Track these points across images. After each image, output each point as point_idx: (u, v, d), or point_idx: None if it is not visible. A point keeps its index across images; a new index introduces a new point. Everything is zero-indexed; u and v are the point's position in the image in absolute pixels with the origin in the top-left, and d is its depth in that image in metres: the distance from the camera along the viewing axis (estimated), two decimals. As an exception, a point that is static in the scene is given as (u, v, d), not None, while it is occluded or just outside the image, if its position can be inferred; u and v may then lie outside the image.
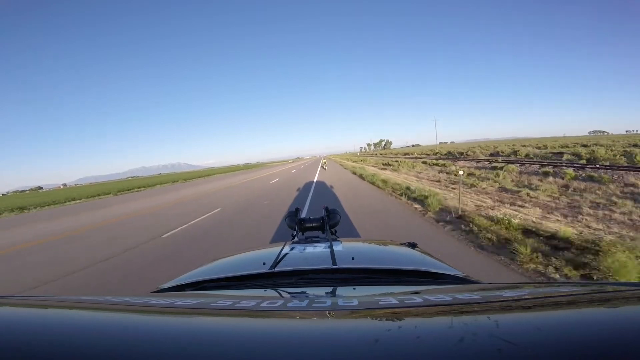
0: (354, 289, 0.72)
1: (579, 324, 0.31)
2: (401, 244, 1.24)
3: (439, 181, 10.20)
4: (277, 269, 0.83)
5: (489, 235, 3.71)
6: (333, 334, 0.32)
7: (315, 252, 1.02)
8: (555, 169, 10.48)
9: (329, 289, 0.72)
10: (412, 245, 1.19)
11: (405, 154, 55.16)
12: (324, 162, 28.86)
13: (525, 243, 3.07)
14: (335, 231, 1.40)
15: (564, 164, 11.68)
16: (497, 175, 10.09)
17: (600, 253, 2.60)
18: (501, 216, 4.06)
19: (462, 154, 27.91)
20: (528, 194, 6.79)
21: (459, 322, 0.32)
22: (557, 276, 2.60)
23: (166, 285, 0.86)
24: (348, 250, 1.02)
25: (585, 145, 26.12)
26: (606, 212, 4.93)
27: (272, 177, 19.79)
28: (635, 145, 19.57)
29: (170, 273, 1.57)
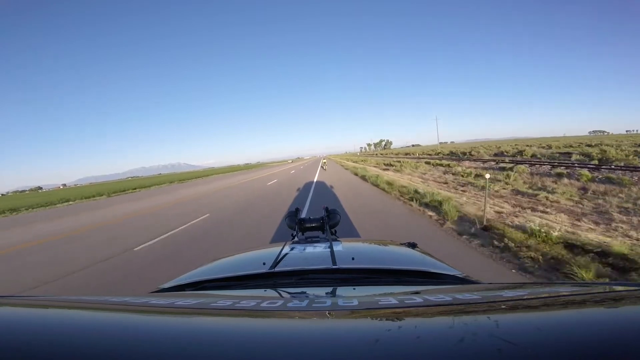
0: (354, 289, 0.72)
1: (579, 324, 0.31)
2: (401, 244, 1.23)
3: (446, 183, 9.66)
4: (277, 269, 0.83)
5: (530, 253, 3.09)
6: (333, 334, 0.32)
7: (315, 252, 1.01)
8: (568, 170, 9.97)
9: (329, 289, 0.71)
10: (412, 246, 1.19)
11: (406, 154, 54.65)
12: (324, 162, 28.89)
13: (582, 264, 2.52)
14: (335, 231, 1.39)
15: (576, 165, 11.16)
16: (508, 176, 9.57)
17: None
18: (535, 226, 3.51)
19: (465, 154, 27.38)
20: (547, 198, 6.27)
21: (459, 322, 0.32)
22: None
23: (166, 285, 0.86)
24: (348, 250, 1.02)
25: (590, 145, 25.68)
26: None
27: (269, 179, 19.13)
28: (644, 145, 19.04)
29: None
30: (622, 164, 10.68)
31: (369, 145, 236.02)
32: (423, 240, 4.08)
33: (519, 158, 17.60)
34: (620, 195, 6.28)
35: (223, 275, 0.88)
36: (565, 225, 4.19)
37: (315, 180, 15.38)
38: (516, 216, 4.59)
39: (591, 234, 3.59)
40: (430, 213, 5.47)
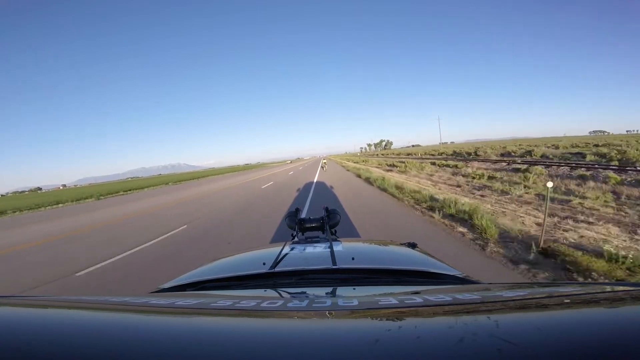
0: (354, 289, 0.72)
1: (579, 324, 0.31)
2: (401, 244, 1.24)
3: (459, 186, 8.86)
4: (277, 269, 0.83)
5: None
6: (333, 334, 0.32)
7: (315, 252, 1.01)
8: (590, 172, 9.18)
9: (329, 289, 0.71)
10: (412, 246, 1.19)
11: (408, 154, 53.86)
12: (324, 163, 28.61)
13: None
14: (335, 231, 1.39)
15: (596, 166, 10.37)
16: (526, 178, 8.77)
17: None
18: (611, 249, 2.71)
19: (470, 154, 26.57)
20: (581, 204, 5.49)
21: (459, 322, 0.32)
22: None
23: (166, 285, 0.86)
24: (348, 250, 1.02)
25: (597, 145, 24.98)
26: None
27: (266, 180, 18.20)
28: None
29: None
30: (646, 165, 9.90)
31: (369, 145, 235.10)
32: (469, 273, 3.14)
33: (529, 158, 16.81)
34: (662, 200, 5.51)
35: (223, 275, 0.88)
36: (624, 241, 3.41)
37: (315, 180, 14.69)
38: (565, 230, 3.81)
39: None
40: (461, 229, 4.29)
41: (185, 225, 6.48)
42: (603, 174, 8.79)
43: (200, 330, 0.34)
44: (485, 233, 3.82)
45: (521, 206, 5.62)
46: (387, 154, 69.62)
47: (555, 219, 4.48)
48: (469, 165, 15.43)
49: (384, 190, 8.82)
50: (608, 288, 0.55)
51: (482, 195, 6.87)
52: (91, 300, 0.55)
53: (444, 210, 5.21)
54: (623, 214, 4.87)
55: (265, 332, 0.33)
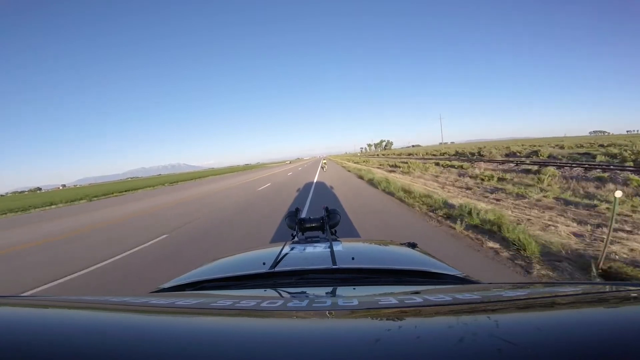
0: (354, 289, 0.72)
1: (579, 324, 0.31)
2: (401, 244, 1.23)
3: (469, 189, 8.33)
4: (277, 269, 0.82)
5: None
6: (333, 334, 0.32)
7: (315, 252, 1.01)
8: (607, 173, 8.67)
9: (329, 289, 0.71)
10: (412, 245, 1.19)
11: (409, 154, 53.36)
12: (324, 163, 28.60)
13: None
14: (335, 231, 1.39)
15: (611, 167, 9.86)
16: (540, 180, 8.26)
17: None
18: None
19: (474, 154, 26.05)
20: (609, 209, 4.97)
21: (459, 322, 0.32)
22: None
23: (166, 285, 0.86)
24: (348, 250, 1.02)
25: (602, 145, 24.57)
26: None
27: (264, 181, 17.51)
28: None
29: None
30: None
31: (369, 145, 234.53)
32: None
33: (536, 159, 16.30)
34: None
35: (223, 275, 0.87)
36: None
37: (315, 180, 14.21)
38: (610, 242, 3.28)
39: None
40: (491, 244, 3.57)
41: (166, 235, 5.72)
42: (621, 175, 8.28)
43: (200, 330, 0.34)
44: (525, 250, 3.12)
45: (543, 212, 5.10)
46: (388, 154, 69.10)
47: (588, 227, 3.97)
48: (474, 166, 14.91)
49: (391, 194, 8.06)
50: (608, 288, 0.55)
51: (497, 200, 6.34)
52: (91, 300, 0.55)
53: (464, 218, 4.45)
54: (659, 221, 4.36)
55: (265, 332, 0.33)
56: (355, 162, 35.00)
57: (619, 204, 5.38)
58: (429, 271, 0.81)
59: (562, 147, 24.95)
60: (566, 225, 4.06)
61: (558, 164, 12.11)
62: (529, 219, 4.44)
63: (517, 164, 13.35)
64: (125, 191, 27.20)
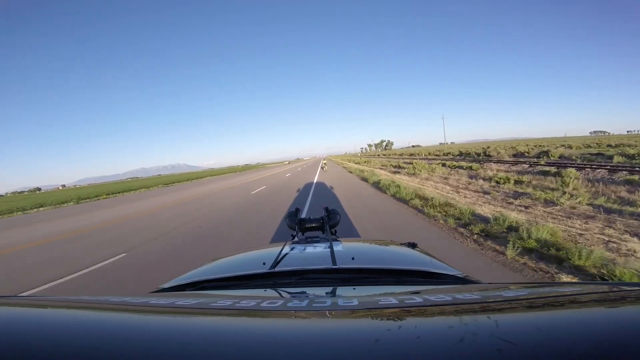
0: (354, 289, 0.72)
1: (579, 324, 0.31)
2: (401, 244, 1.23)
3: (486, 193, 7.55)
4: (277, 269, 0.82)
5: None
6: (333, 334, 0.32)
7: (315, 252, 1.01)
8: (636, 176, 7.90)
9: (329, 289, 0.71)
10: (412, 245, 1.19)
11: (410, 154, 52.57)
12: (324, 163, 28.20)
13: None
14: (335, 231, 1.39)
15: (637, 168, 9.08)
16: (564, 184, 7.47)
17: None
18: None
19: (479, 154, 25.25)
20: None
21: (459, 322, 0.32)
22: None
23: (166, 285, 0.86)
24: (348, 250, 1.02)
25: (611, 146, 23.93)
26: None
27: (259, 184, 16.54)
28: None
29: None
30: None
31: (369, 145, 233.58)
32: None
33: (547, 160, 15.50)
34: None
35: (223, 275, 0.87)
36: None
37: (315, 181, 13.48)
38: None
39: None
40: (565, 279, 2.60)
41: (124, 254, 4.69)
42: (655, 178, 7.52)
43: (200, 330, 0.34)
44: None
45: (587, 222, 4.33)
46: (389, 155, 68.27)
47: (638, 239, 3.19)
48: (484, 167, 14.12)
49: (403, 200, 6.82)
50: (608, 288, 0.55)
51: (525, 207, 5.56)
52: (91, 300, 0.55)
53: (508, 237, 3.39)
54: None
55: (266, 332, 0.33)
56: (356, 163, 34.22)
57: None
58: (429, 271, 0.81)
59: (570, 147, 24.20)
60: (623, 241, 3.28)
61: (576, 165, 11.32)
62: (581, 234, 3.66)
63: (530, 165, 12.56)
64: (120, 192, 26.53)
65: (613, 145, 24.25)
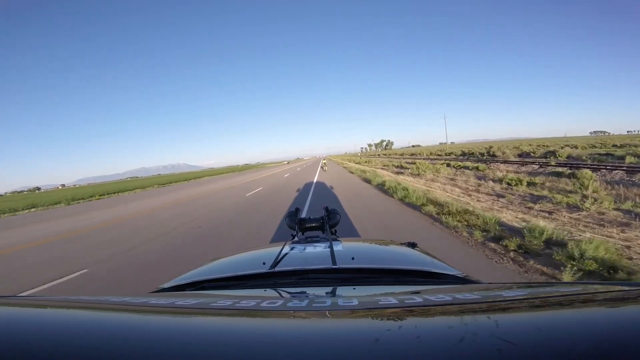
0: (354, 288, 0.71)
1: (579, 324, 0.31)
2: (401, 244, 1.23)
3: (501, 196, 7.06)
4: (277, 268, 0.82)
5: None
6: (333, 334, 0.32)
7: (315, 252, 1.01)
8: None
9: (329, 289, 0.71)
10: (412, 245, 1.18)
11: (411, 154, 52.09)
12: (324, 163, 27.94)
13: None
14: (335, 231, 1.39)
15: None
16: (583, 186, 6.99)
17: None
18: None
19: (483, 154, 24.76)
20: None
21: (459, 322, 0.32)
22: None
23: (166, 285, 0.86)
24: (348, 250, 1.01)
25: (616, 145, 23.53)
26: None
27: (256, 184, 15.91)
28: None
29: None
30: None
31: (369, 145, 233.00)
32: None
33: (555, 160, 15.02)
34: None
35: (223, 275, 0.87)
36: None
37: (314, 181, 12.99)
38: None
39: None
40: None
41: (86, 269, 4.02)
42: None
43: (200, 330, 0.34)
44: None
45: (624, 231, 3.83)
46: (389, 154, 67.76)
47: None
48: (490, 167, 13.63)
49: (413, 206, 6.03)
50: (608, 288, 0.55)
51: (548, 212, 5.07)
52: (91, 300, 0.54)
53: (553, 254, 2.83)
54: None
55: (265, 332, 0.33)
56: (356, 163, 33.72)
57: None
58: (429, 271, 0.81)
59: (575, 147, 23.74)
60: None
61: (589, 166, 10.83)
62: (627, 246, 3.17)
63: (541, 166, 12.07)
64: (116, 192, 26.08)
65: (618, 145, 23.83)
